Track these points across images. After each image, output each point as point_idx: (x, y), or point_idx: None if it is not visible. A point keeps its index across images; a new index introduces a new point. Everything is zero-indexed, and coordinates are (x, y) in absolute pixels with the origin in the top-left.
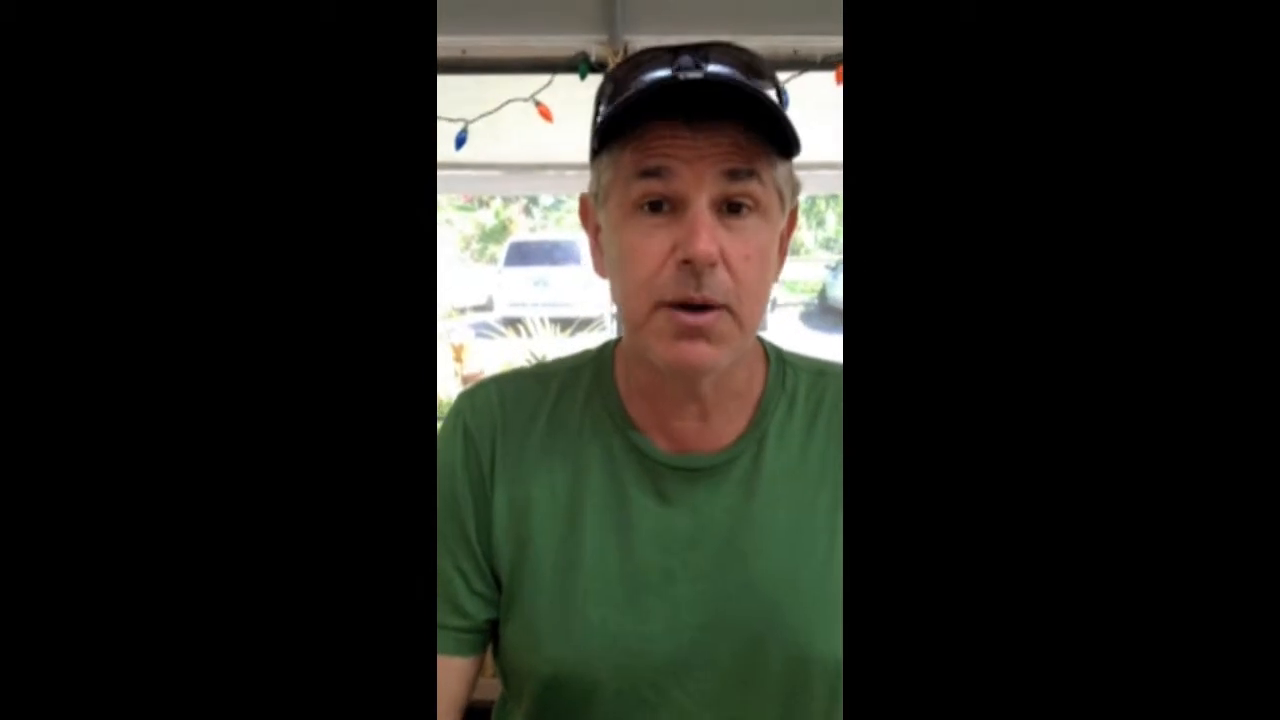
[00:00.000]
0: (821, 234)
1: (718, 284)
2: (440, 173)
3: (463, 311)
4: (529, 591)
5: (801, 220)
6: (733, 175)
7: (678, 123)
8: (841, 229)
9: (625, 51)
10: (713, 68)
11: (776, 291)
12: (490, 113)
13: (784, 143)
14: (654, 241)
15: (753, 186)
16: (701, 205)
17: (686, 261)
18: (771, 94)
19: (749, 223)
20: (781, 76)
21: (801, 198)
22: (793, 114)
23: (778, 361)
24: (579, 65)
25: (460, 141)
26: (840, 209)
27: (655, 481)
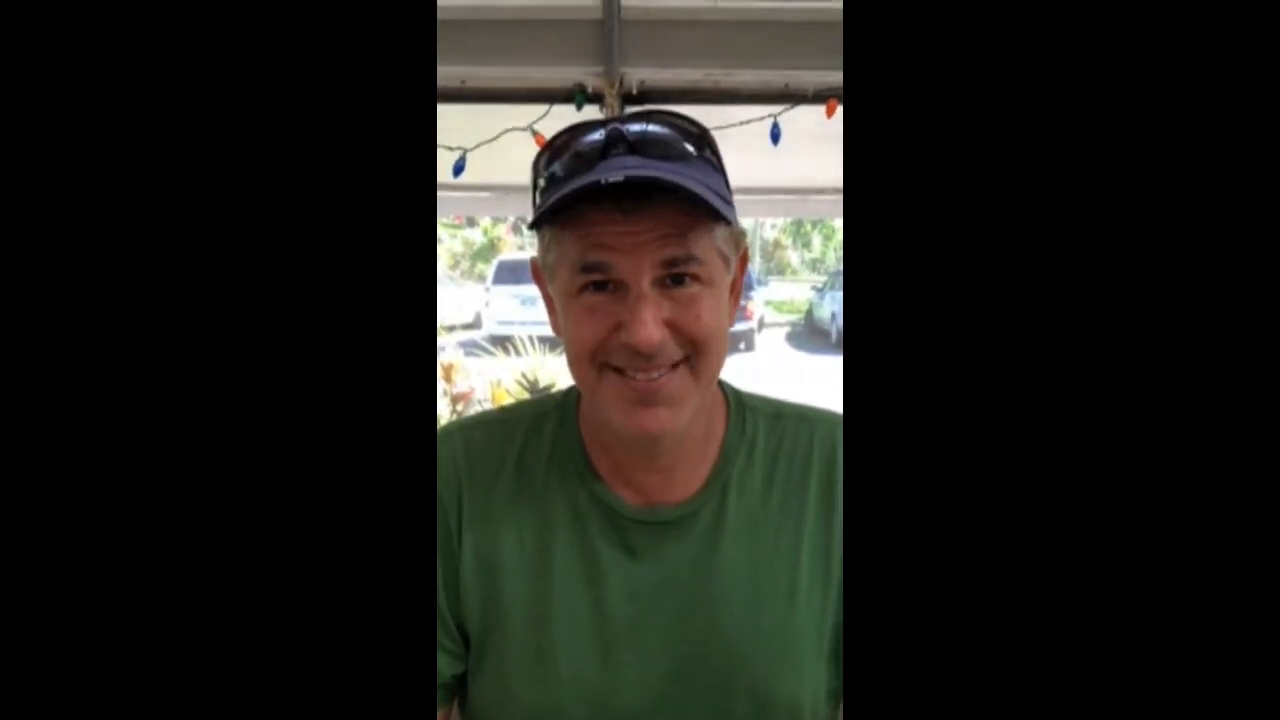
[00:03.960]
0: (808, 255)
1: (667, 355)
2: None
3: (451, 329)
4: (499, 645)
5: (789, 242)
6: (670, 261)
7: (612, 210)
8: (825, 251)
9: (621, 83)
10: (634, 159)
11: (763, 311)
12: (488, 141)
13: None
14: (598, 317)
15: (692, 266)
16: (643, 289)
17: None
18: (708, 159)
19: (693, 290)
20: (773, 110)
21: (789, 221)
22: (784, 145)
23: (737, 407)
24: (575, 96)
25: (459, 169)
26: (825, 233)
27: (621, 535)
